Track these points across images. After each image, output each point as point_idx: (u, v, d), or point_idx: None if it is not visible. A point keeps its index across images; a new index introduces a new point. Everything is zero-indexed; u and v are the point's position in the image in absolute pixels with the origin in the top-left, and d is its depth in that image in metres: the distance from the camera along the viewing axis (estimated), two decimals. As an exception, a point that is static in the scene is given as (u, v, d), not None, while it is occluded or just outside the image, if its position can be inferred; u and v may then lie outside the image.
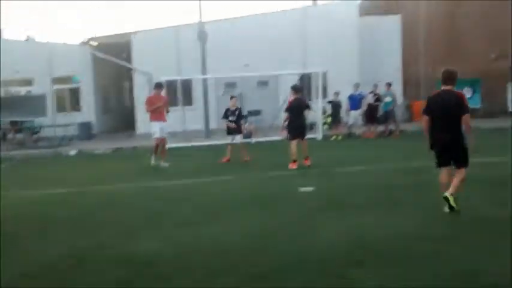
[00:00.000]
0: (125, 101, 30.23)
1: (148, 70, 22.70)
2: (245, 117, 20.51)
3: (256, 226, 6.67)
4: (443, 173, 7.06)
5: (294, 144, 11.78)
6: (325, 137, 18.53)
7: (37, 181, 12.20)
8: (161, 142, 13.10)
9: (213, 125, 22.36)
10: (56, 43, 24.70)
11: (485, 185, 8.31)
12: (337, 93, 19.62)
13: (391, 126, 19.16)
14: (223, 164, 13.28)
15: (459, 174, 6.83)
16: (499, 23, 23.11)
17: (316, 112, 17.86)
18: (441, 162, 7.07)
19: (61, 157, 18.06)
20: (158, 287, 4.81)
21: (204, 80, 21.65)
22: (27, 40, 27.45)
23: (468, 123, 6.72)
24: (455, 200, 6.68)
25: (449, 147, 6.89)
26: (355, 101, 19.35)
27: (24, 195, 10.10)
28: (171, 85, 21.66)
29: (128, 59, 24.18)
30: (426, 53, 21.13)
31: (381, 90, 19.26)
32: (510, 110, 23.27)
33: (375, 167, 11.39)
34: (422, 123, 7.26)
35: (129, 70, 24.30)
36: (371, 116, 19.24)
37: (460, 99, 6.85)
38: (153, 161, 13.01)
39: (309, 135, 13.13)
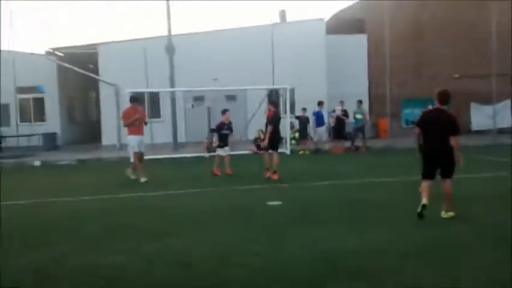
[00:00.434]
0: (91, 112, 29.85)
1: (115, 82, 22.53)
2: (213, 130, 20.50)
3: (222, 240, 6.64)
4: (425, 184, 7.40)
5: (267, 155, 12.32)
6: (293, 152, 18.66)
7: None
8: (140, 157, 12.74)
9: (181, 137, 22.28)
10: (20, 52, 24.25)
11: (453, 201, 8.46)
12: (304, 109, 19.85)
13: (358, 143, 19.47)
14: (190, 177, 13.21)
15: (445, 187, 7.32)
16: (463, 45, 23.85)
17: (285, 127, 18.00)
18: (427, 174, 7.44)
19: (25, 168, 17.66)
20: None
21: (172, 93, 21.59)
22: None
23: (458, 142, 7.25)
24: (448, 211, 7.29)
25: (439, 159, 7.33)
26: (319, 118, 19.64)
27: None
28: (138, 97, 21.54)
29: (95, 70, 23.93)
30: (392, 72, 21.57)
31: (353, 107, 19.68)
32: (473, 128, 23.93)
33: (342, 182, 11.52)
34: (415, 133, 7.66)
35: (96, 81, 24.02)
36: (338, 131, 19.51)
37: (453, 119, 7.38)
38: (129, 173, 12.67)
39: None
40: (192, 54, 22.35)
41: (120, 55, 22.53)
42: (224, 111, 13.94)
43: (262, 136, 19.24)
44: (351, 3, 30.90)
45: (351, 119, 19.75)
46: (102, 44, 23.72)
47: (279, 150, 13.49)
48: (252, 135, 21.26)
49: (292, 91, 20.29)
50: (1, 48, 22.61)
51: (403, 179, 11.51)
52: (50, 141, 23.04)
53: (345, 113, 19.54)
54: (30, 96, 24.38)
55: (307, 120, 19.72)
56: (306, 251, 6.01)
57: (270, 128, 12.34)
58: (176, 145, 21.46)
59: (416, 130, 7.56)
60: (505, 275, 4.93)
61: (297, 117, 20.26)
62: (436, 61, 24.14)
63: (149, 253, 6.09)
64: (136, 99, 13.44)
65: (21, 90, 23.08)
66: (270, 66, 23.04)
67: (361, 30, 25.39)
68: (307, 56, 22.96)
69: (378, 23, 22.89)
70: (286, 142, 18.89)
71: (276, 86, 21.82)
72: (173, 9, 31.11)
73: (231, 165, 13.39)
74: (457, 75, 22.90)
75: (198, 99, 23.46)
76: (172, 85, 21.40)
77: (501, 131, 21.79)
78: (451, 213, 7.32)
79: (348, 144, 19.58)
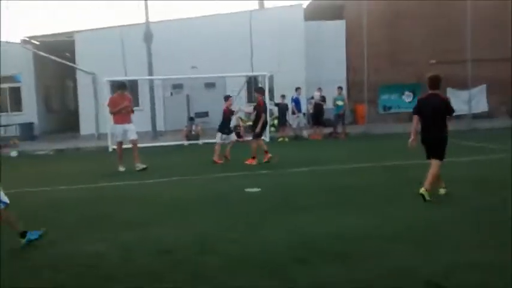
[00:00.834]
0: (69, 101, 29.50)
1: (93, 70, 22.30)
2: (192, 119, 20.49)
3: (201, 228, 6.67)
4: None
5: (259, 142, 12.91)
6: (273, 139, 18.73)
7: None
8: (132, 145, 12.51)
9: (160, 126, 22.18)
10: (-6, 40, 23.82)
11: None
12: (283, 96, 19.89)
13: (338, 129, 19.63)
14: (170, 166, 13.20)
15: (432, 167, 7.68)
16: (440, 31, 24.05)
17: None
18: (429, 155, 7.89)
19: (1, 158, 17.40)
20: (100, 289, 4.74)
21: (151, 81, 21.46)
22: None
23: (448, 122, 7.76)
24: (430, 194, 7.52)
25: (433, 142, 7.78)
26: (298, 104, 19.72)
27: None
28: (115, 86, 21.37)
29: (72, 58, 23.64)
30: (369, 58, 21.68)
31: (331, 93, 19.77)
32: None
33: (322, 168, 11.62)
34: (413, 121, 7.99)
35: (73, 70, 23.74)
36: (317, 118, 19.63)
37: (446, 101, 7.85)
38: (120, 168, 12.33)
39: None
40: (170, 42, 22.18)
41: (97, 43, 22.25)
42: (227, 97, 14.14)
43: (241, 123, 19.33)
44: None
45: (331, 105, 19.86)
46: (78, 32, 23.40)
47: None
48: (231, 123, 21.22)
49: (271, 78, 20.32)
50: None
51: (383, 164, 11.69)
52: (27, 131, 22.78)
53: (323, 99, 19.66)
54: (7, 85, 23.99)
55: (286, 107, 19.77)
56: (285, 237, 6.07)
57: (263, 115, 12.88)
58: (155, 134, 21.39)
59: (415, 118, 7.89)
60: (485, 257, 5.04)
61: (276, 104, 20.31)
62: (412, 47, 24.31)
63: (128, 242, 6.11)
64: (124, 86, 12.93)
65: (-4, 79, 22.70)
66: (248, 53, 23.01)
67: (340, 17, 25.43)
68: (285, 42, 22.92)
69: (357, 9, 22.97)
70: (265, 129, 18.92)
71: (255, 73, 21.84)
72: (150, -4, 30.69)
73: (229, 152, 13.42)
74: (433, 61, 23.11)
75: (177, 87, 23.34)
76: (150, 73, 21.27)
77: (476, 116, 22.11)
78: (427, 193, 7.48)
79: (327, 130, 19.72)
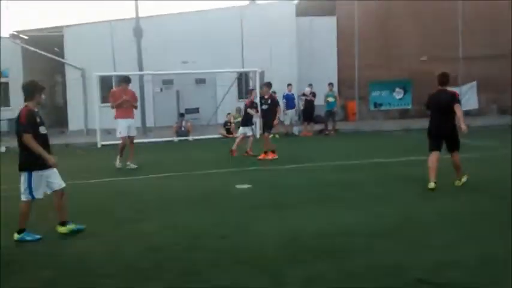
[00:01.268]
0: (57, 96, 29.23)
1: (82, 65, 22.11)
2: (182, 115, 20.38)
3: (191, 223, 6.62)
4: (433, 155, 8.22)
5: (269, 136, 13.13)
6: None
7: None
8: (129, 141, 12.06)
9: (150, 122, 22.05)
10: (-19, 34, 23.48)
11: (419, 182, 8.61)
12: (274, 93, 19.75)
13: (329, 126, 19.60)
14: (160, 162, 13.08)
15: (454, 158, 8.25)
16: (432, 28, 24.07)
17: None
18: (433, 147, 8.28)
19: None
20: (87, 287, 4.65)
21: (140, 77, 21.29)
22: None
23: (459, 109, 8.15)
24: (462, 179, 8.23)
25: (444, 135, 8.24)
26: (289, 100, 19.65)
27: None
28: (105, 81, 21.20)
29: (61, 53, 23.40)
30: (360, 55, 21.69)
31: (322, 90, 19.70)
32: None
33: (312, 164, 11.59)
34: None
35: (62, 65, 23.51)
36: (308, 114, 19.59)
37: (453, 94, 8.35)
38: (117, 163, 11.98)
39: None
40: (161, 37, 22.02)
41: (86, 38, 22.03)
42: (251, 91, 14.54)
43: (232, 120, 19.26)
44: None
45: (322, 102, 19.81)
46: (67, 26, 23.15)
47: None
48: (221, 119, 21.17)
49: (262, 74, 20.24)
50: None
51: (372, 161, 11.67)
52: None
53: (313, 95, 19.63)
54: (-6, 81, 23.69)
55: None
56: (274, 233, 6.03)
57: (279, 108, 13.39)
58: (145, 129, 21.23)
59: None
60: (469, 254, 5.04)
61: (267, 101, 20.22)
62: (403, 44, 24.33)
63: (117, 238, 6.04)
64: (128, 80, 12.63)
65: (-17, 74, 22.39)
66: (239, 49, 22.90)
67: (331, 13, 25.37)
68: (277, 38, 22.84)
69: (348, 5, 22.94)
70: (256, 126, 18.85)
71: (245, 69, 21.75)
72: (141, -9, 30.49)
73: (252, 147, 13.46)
74: (424, 58, 23.15)
75: (167, 82, 23.18)
76: (140, 68, 21.11)
77: (466, 113, 22.14)
78: (464, 179, 8.27)
79: (318, 127, 19.68)
